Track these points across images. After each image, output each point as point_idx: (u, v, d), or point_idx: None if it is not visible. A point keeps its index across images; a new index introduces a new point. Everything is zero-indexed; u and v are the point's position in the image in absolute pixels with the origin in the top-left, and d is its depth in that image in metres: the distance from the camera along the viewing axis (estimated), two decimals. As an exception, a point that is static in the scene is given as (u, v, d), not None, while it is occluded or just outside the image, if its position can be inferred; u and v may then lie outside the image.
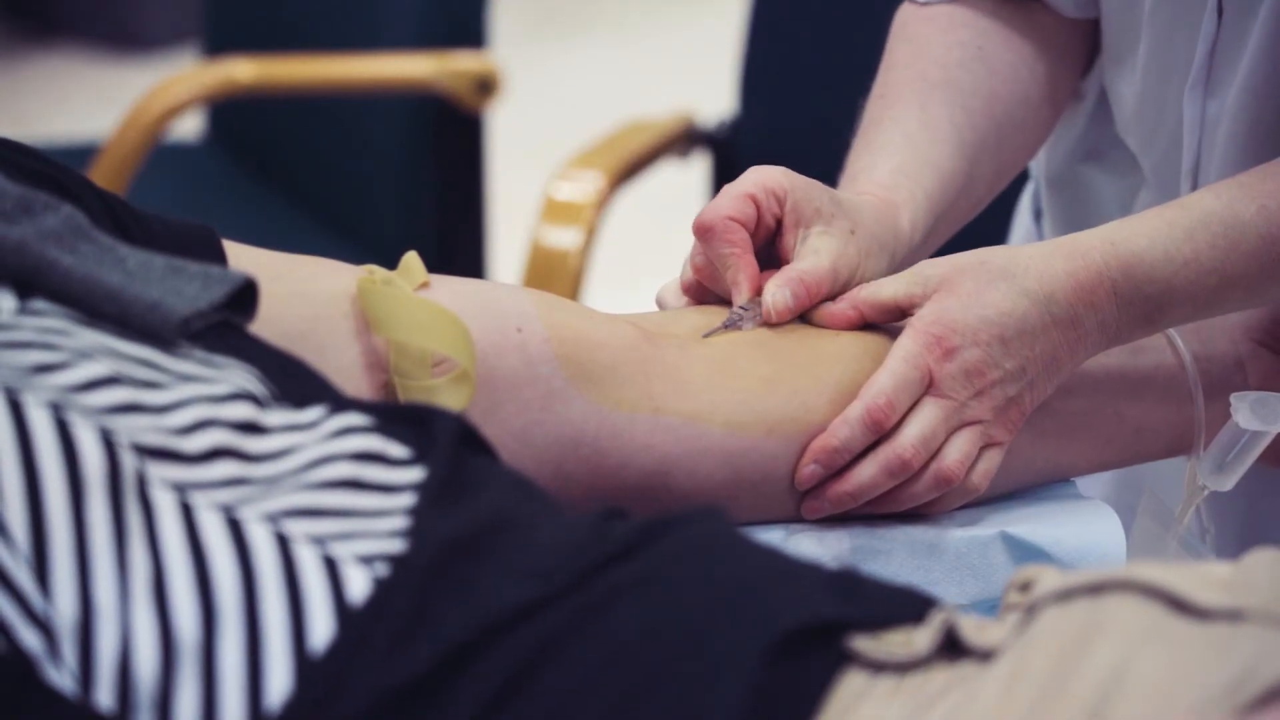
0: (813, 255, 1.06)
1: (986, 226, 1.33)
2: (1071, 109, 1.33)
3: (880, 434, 1.00)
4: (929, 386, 1.01)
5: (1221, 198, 1.04)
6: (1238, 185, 1.05)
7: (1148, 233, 1.03)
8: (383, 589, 0.74)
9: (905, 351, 1.01)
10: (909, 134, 1.18)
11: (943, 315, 1.01)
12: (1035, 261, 1.02)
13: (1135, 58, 1.22)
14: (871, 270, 1.09)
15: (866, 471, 1.01)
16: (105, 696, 0.70)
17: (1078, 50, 1.28)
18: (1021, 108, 1.24)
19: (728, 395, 1.01)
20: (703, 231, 1.06)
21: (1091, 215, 1.33)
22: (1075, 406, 1.09)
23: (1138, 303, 1.03)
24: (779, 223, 1.07)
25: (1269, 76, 1.15)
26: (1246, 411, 1.05)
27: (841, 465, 1.01)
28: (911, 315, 1.03)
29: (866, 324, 1.05)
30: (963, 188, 1.19)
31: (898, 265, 1.13)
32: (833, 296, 1.07)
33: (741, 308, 1.05)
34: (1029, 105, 1.24)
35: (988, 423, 1.02)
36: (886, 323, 1.06)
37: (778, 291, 1.04)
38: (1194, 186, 1.19)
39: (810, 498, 1.02)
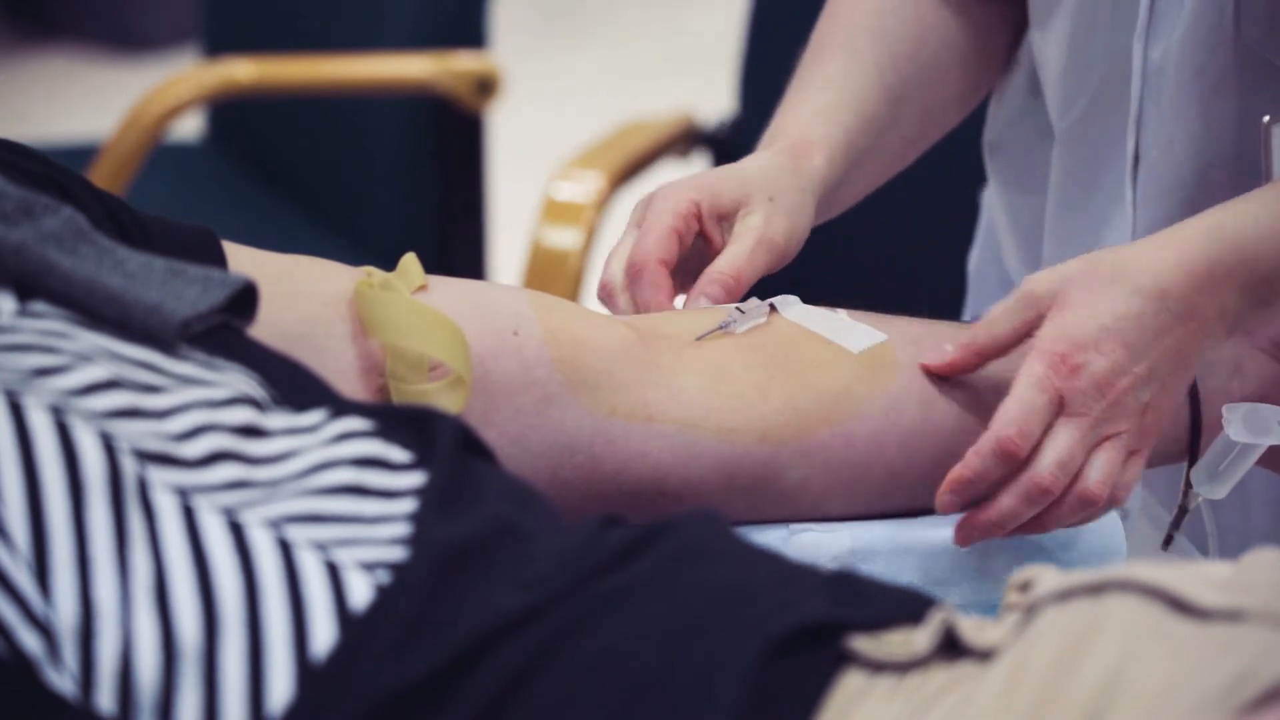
0: (732, 245, 1.10)
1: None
2: (1006, 76, 1.34)
3: (1014, 463, 0.99)
4: (1061, 407, 0.99)
5: None
6: None
7: (1251, 212, 1.02)
8: (384, 596, 0.74)
9: (1032, 375, 0.98)
10: (830, 76, 1.21)
11: (1063, 331, 0.99)
12: (1143, 258, 1.00)
13: (1058, 16, 1.23)
14: (805, 219, 1.13)
15: (1007, 502, 0.99)
16: (106, 700, 0.70)
17: (1008, 15, 1.30)
18: (948, 52, 1.25)
19: (720, 402, 1.01)
20: (634, 273, 1.09)
21: (1034, 180, 1.33)
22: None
23: (1253, 284, 1.01)
24: (703, 231, 1.12)
25: (1214, 25, 1.15)
26: (1238, 423, 1.05)
27: (979, 495, 1.00)
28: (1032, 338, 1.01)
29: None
30: (886, 126, 1.21)
31: (827, 202, 1.17)
32: (775, 268, 1.11)
33: (738, 308, 1.05)
34: (956, 52, 1.26)
35: (1128, 433, 1.00)
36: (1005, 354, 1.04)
37: (699, 297, 1.08)
38: (1138, 136, 1.20)
39: (958, 527, 1.01)
